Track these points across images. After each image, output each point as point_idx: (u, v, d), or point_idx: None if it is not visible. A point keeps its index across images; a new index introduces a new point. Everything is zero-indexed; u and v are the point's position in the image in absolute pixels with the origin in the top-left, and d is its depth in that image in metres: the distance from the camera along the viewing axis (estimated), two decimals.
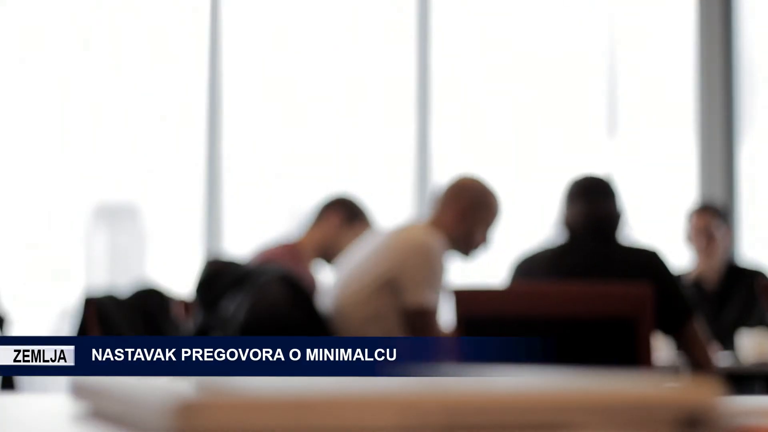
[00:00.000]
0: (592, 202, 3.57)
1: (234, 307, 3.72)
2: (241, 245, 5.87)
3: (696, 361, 3.52)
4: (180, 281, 3.90)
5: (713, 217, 5.16)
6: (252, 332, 3.67)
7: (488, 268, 5.52)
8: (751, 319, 4.84)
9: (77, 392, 0.72)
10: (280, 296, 3.72)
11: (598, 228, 3.55)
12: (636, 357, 3.11)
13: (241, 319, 3.67)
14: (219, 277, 3.81)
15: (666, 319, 3.39)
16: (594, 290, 3.19)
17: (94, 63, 6.36)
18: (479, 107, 6.91)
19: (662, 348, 3.79)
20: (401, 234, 3.86)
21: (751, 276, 5.01)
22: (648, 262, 3.46)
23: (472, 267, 5.70)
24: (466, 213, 3.90)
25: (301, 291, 3.79)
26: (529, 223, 6.33)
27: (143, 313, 4.19)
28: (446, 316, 3.78)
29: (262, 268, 3.86)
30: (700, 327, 3.52)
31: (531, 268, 3.58)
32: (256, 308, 3.68)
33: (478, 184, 3.95)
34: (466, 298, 3.27)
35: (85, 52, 6.35)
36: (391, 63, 6.82)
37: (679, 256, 5.36)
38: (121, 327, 4.13)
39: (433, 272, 3.78)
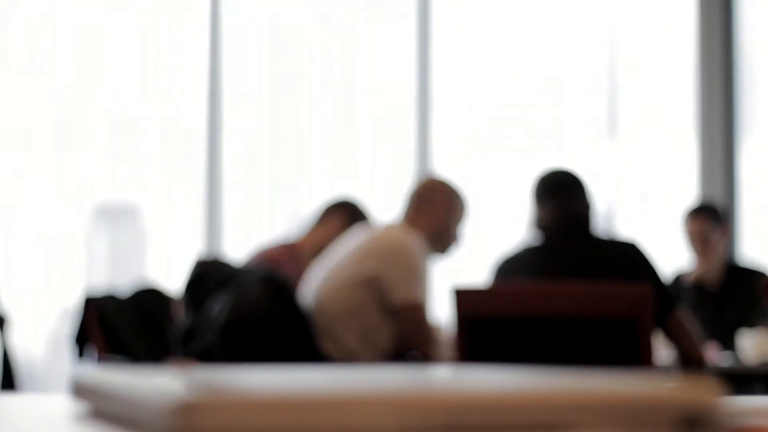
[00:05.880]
0: (561, 201, 3.56)
1: (218, 307, 3.73)
2: (241, 245, 5.87)
3: (684, 352, 3.49)
4: (180, 281, 3.90)
5: (707, 220, 5.14)
6: (232, 332, 3.68)
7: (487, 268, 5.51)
8: (752, 319, 4.84)
9: (77, 392, 0.72)
10: (261, 296, 3.73)
11: (571, 226, 3.54)
12: (636, 357, 3.11)
13: (222, 320, 3.68)
14: (206, 277, 3.82)
15: None
16: (594, 290, 3.18)
17: (94, 62, 6.36)
18: (479, 107, 6.91)
19: (662, 348, 3.79)
20: (382, 234, 3.94)
21: (751, 276, 5.01)
22: (627, 254, 3.45)
23: (471, 267, 5.70)
24: (440, 213, 4.03)
25: (282, 291, 3.79)
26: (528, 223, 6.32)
27: (143, 313, 4.19)
28: (446, 316, 3.79)
29: (247, 269, 3.87)
30: (684, 317, 3.50)
31: (512, 268, 3.57)
32: (237, 308, 3.69)
33: (447, 186, 4.10)
34: (466, 298, 3.26)
35: (86, 52, 6.35)
36: (392, 63, 6.82)
37: (681, 257, 5.36)
38: (121, 327, 4.13)
39: (416, 268, 3.85)
